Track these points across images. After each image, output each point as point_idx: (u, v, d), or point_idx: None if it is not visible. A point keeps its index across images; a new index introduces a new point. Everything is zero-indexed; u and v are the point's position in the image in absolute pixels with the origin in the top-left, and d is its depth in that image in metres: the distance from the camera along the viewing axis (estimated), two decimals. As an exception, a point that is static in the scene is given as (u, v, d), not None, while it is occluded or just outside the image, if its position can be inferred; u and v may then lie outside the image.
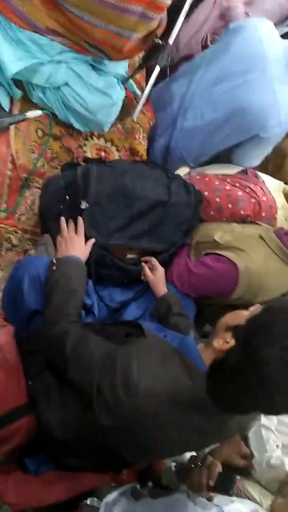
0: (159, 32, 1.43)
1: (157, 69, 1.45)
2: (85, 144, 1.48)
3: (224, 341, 0.89)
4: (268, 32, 1.50)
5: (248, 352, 0.81)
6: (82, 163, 1.40)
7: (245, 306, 0.96)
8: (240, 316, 0.91)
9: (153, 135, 1.70)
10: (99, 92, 1.41)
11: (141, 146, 1.61)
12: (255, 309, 0.91)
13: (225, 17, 1.79)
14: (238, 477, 0.94)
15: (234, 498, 1.05)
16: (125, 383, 0.86)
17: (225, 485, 0.92)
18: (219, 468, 0.97)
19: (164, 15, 1.38)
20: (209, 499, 0.94)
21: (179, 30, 1.51)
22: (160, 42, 1.40)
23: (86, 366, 0.90)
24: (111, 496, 1.02)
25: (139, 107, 1.51)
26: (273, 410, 0.88)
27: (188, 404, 0.89)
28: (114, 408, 0.86)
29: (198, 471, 0.98)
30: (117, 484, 1.09)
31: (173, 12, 1.52)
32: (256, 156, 1.65)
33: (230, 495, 0.93)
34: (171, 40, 1.43)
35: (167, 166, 1.71)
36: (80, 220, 1.22)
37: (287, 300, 0.98)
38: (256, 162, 1.68)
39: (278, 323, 0.83)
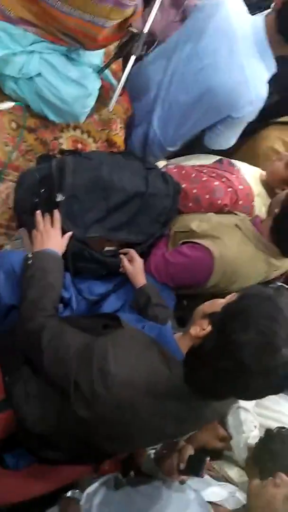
0: (134, 19, 1.41)
1: (132, 59, 1.43)
2: (61, 136, 1.46)
3: (201, 328, 0.91)
4: (235, 8, 1.49)
5: (224, 337, 0.84)
6: (57, 156, 1.39)
7: (223, 296, 0.97)
8: (217, 304, 0.93)
9: (130, 124, 1.69)
10: (73, 82, 1.38)
11: (118, 137, 1.60)
12: (231, 296, 0.93)
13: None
14: (208, 458, 0.96)
15: (212, 481, 1.07)
16: (102, 375, 0.87)
17: (194, 467, 0.94)
18: (190, 451, 0.99)
19: (139, 2, 1.36)
20: (181, 482, 0.97)
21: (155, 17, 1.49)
22: (135, 30, 1.39)
23: (63, 359, 0.90)
24: (92, 487, 1.04)
25: (115, 97, 1.49)
26: (248, 394, 0.90)
27: (166, 393, 0.90)
28: (92, 401, 0.87)
29: (170, 456, 1.00)
30: (99, 475, 1.11)
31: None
32: (230, 137, 1.65)
33: (201, 476, 0.95)
34: (146, 29, 1.41)
35: (146, 155, 1.71)
36: (56, 213, 1.21)
37: (261, 287, 1.00)
38: (230, 143, 1.68)
39: (253, 309, 0.85)
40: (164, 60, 1.61)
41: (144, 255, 1.40)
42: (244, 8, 1.51)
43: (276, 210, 1.34)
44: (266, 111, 1.71)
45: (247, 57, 1.44)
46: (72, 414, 0.88)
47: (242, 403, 1.23)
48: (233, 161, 1.60)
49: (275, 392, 0.88)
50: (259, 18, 1.46)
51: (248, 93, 1.46)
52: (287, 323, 0.84)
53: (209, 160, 1.60)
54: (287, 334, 0.82)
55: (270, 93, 1.68)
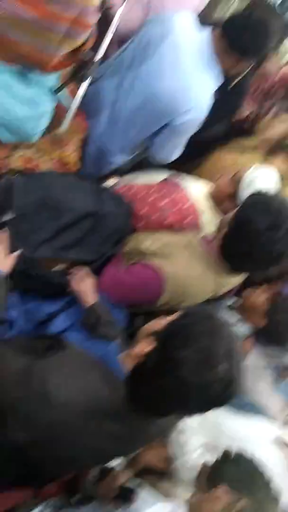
0: (88, 46, 1.45)
1: (84, 84, 1.47)
2: (12, 155, 1.46)
3: (144, 347, 0.92)
4: (185, 24, 1.57)
5: (165, 354, 0.86)
6: (7, 175, 1.39)
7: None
8: (160, 323, 0.95)
9: (85, 143, 1.72)
10: (27, 102, 1.40)
11: (72, 157, 1.62)
12: (174, 315, 0.95)
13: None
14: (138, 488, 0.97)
15: (156, 499, 1.08)
16: (40, 398, 0.87)
17: (125, 495, 0.96)
18: (123, 478, 1.00)
19: (92, 30, 1.41)
20: (116, 508, 0.97)
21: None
22: (87, 57, 1.43)
23: (1, 383, 0.89)
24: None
25: (68, 118, 1.52)
26: (187, 411, 0.92)
27: (107, 413, 0.91)
28: (30, 424, 0.86)
29: (105, 482, 1.01)
30: (41, 499, 1.09)
31: (103, 25, 1.55)
32: (174, 148, 1.70)
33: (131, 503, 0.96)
34: (98, 56, 1.45)
35: (99, 172, 1.73)
36: (3, 232, 1.21)
37: (203, 306, 1.04)
38: (174, 155, 1.73)
39: (193, 326, 0.88)
40: (117, 75, 1.66)
41: (96, 274, 1.41)
42: (193, 24, 1.59)
43: (224, 230, 1.39)
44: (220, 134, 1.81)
45: (192, 67, 1.51)
46: (9, 438, 0.87)
47: (187, 421, 1.26)
48: (181, 178, 1.65)
49: (215, 407, 0.90)
50: (206, 33, 1.55)
51: (189, 101, 1.52)
52: (226, 340, 0.87)
53: (157, 177, 1.65)
54: (225, 351, 0.86)
55: (222, 118, 1.78)
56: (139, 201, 1.52)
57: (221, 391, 0.86)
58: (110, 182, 1.63)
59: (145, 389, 0.89)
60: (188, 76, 1.51)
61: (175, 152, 1.72)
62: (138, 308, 1.48)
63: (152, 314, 1.46)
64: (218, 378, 0.84)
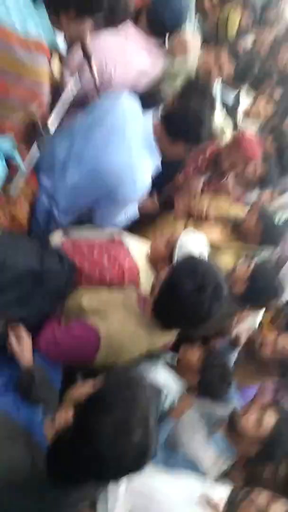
0: (40, 113, 1.55)
1: (34, 148, 1.56)
2: None
3: (63, 415, 0.96)
4: (130, 107, 1.74)
5: (82, 424, 0.89)
6: None
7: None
8: (82, 389, 0.99)
9: (35, 201, 1.78)
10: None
11: (21, 213, 1.67)
12: (96, 381, 0.99)
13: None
14: None
15: None
16: None
17: None
18: None
19: (43, 99, 1.50)
20: None
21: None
22: (39, 124, 1.53)
23: None
24: None
25: (20, 177, 1.60)
26: (102, 480, 0.95)
27: (27, 485, 0.93)
28: None
29: None
30: None
31: (54, 93, 1.66)
32: (115, 215, 1.83)
33: None
34: (50, 125, 1.55)
35: (47, 229, 1.80)
36: None
37: (126, 370, 1.08)
38: (118, 220, 1.86)
39: (111, 395, 0.92)
40: (69, 138, 1.77)
41: (36, 331, 1.45)
42: (138, 108, 1.76)
43: (157, 290, 1.47)
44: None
45: (136, 146, 1.67)
46: None
47: (113, 487, 1.27)
48: (123, 237, 1.76)
49: (131, 473, 0.94)
50: (149, 116, 1.73)
51: (132, 176, 1.67)
52: (143, 408, 0.92)
53: (103, 232, 1.76)
54: (141, 418, 0.90)
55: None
56: (82, 257, 1.59)
57: (136, 459, 0.91)
58: (56, 237, 1.70)
59: (63, 460, 0.90)
60: (132, 154, 1.65)
61: (116, 219, 1.84)
62: (77, 366, 1.52)
63: (91, 373, 1.52)
64: (133, 448, 0.89)
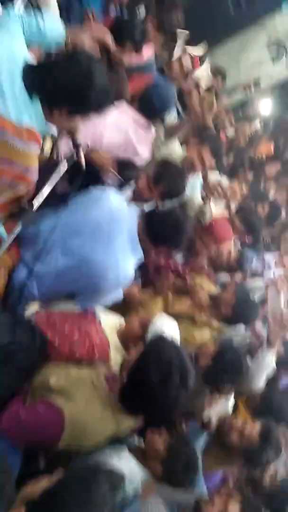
0: (28, 194, 1.64)
1: (19, 226, 1.63)
2: None
3: None
4: (116, 202, 1.87)
5: None
6: None
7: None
8: (34, 488, 0.96)
9: (14, 272, 1.82)
10: None
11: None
12: (51, 478, 0.97)
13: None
14: None
15: None
16: None
17: None
18: None
19: (34, 178, 1.60)
20: None
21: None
22: (26, 204, 1.61)
23: None
24: None
25: (2, 249, 1.65)
26: None
27: None
28: None
29: None
30: None
31: (44, 169, 1.77)
32: (97, 300, 1.87)
33: None
34: (35, 205, 1.64)
35: (21, 302, 1.82)
36: None
37: (83, 464, 1.06)
38: (96, 304, 1.89)
39: (62, 496, 0.90)
40: (53, 219, 1.85)
41: (2, 409, 1.42)
42: (125, 207, 1.90)
43: (124, 374, 1.48)
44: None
45: (121, 246, 1.78)
46: None
47: None
48: (96, 312, 1.80)
49: None
50: (134, 213, 1.87)
51: (116, 270, 1.76)
52: (99, 503, 0.90)
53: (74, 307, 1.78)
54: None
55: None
56: (54, 331, 1.60)
57: None
58: (31, 309, 1.71)
59: None
60: (118, 252, 1.77)
61: (97, 303, 1.89)
62: (41, 449, 1.48)
63: (56, 457, 1.47)
64: None
